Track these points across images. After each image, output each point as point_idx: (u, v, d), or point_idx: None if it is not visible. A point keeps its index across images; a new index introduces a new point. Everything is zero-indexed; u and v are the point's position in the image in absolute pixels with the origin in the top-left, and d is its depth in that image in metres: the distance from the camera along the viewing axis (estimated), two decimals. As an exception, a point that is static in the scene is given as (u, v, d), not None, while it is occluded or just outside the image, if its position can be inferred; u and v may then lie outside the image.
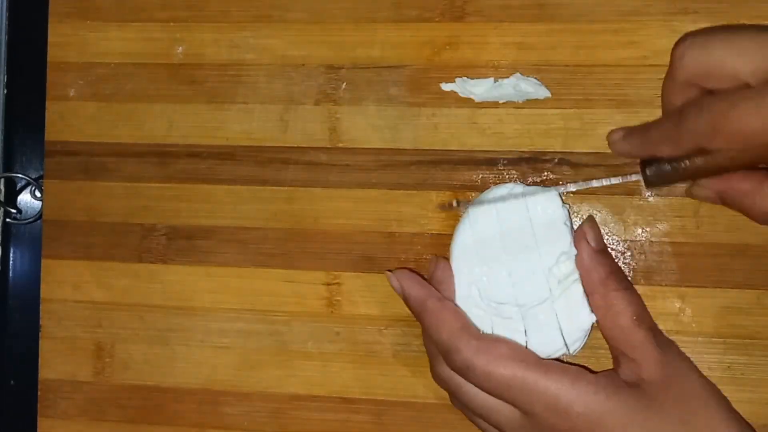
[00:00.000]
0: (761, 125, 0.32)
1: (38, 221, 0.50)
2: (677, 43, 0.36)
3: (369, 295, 0.45)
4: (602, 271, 0.39)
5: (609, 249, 0.42)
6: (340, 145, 0.45)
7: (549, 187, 0.41)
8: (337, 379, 0.45)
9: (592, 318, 0.40)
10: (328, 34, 0.46)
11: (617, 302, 0.38)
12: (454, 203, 0.42)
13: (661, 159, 0.37)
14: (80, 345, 0.47)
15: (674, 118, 0.36)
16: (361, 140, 0.45)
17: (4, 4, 0.50)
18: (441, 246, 0.44)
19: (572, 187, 0.41)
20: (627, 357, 0.38)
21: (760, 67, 0.33)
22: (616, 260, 0.41)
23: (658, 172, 0.37)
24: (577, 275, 0.40)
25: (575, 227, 0.42)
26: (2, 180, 0.50)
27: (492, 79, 0.44)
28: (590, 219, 0.41)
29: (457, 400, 0.40)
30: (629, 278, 0.42)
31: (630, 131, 0.39)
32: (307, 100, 0.46)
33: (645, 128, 0.38)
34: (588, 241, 0.40)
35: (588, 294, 0.39)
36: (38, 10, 0.49)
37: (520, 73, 0.44)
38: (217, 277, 0.46)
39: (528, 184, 0.43)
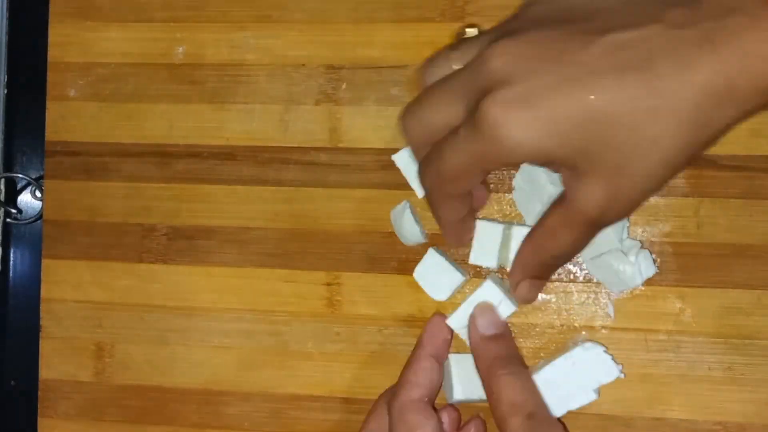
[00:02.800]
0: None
1: (38, 221, 0.50)
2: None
3: (369, 295, 0.45)
4: (488, 356, 0.39)
5: (504, 332, 0.41)
6: (341, 145, 0.45)
7: None
8: (338, 379, 0.45)
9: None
10: (329, 34, 0.46)
11: (497, 388, 0.38)
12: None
13: None
14: (80, 345, 0.47)
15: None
16: (361, 140, 0.45)
17: (4, 4, 0.50)
18: (441, 245, 0.44)
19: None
20: None
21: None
22: (511, 343, 0.41)
23: None
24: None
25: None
26: (2, 180, 0.50)
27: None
28: (481, 305, 0.41)
29: None
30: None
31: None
32: (308, 100, 0.46)
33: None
34: (477, 327, 0.40)
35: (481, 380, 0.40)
36: (38, 10, 0.49)
37: (521, 74, 0.44)
38: (218, 277, 0.46)
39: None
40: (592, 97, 0.31)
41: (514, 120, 0.32)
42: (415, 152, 0.39)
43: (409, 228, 0.43)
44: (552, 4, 0.35)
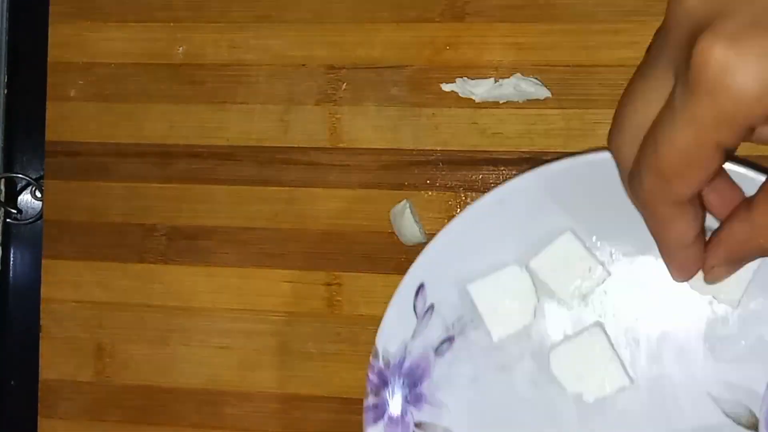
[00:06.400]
0: None
1: (39, 221, 0.50)
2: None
3: (369, 295, 0.45)
4: None
5: None
6: (341, 145, 0.45)
7: None
8: (338, 379, 0.45)
9: None
10: (329, 35, 0.46)
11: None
12: None
13: None
14: (81, 345, 0.47)
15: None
16: (361, 140, 0.45)
17: (4, 4, 0.50)
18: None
19: None
20: None
21: None
22: None
23: None
24: None
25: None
26: (2, 180, 0.50)
27: (492, 79, 0.44)
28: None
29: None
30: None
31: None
32: (308, 101, 0.46)
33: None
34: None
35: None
36: (38, 10, 0.49)
37: (521, 73, 0.44)
38: (218, 277, 0.46)
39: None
40: None
41: (746, 57, 0.23)
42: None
43: (409, 228, 0.43)
44: None
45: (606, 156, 0.32)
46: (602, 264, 0.39)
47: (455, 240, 0.40)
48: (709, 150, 0.25)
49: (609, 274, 0.39)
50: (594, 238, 0.40)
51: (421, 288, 0.40)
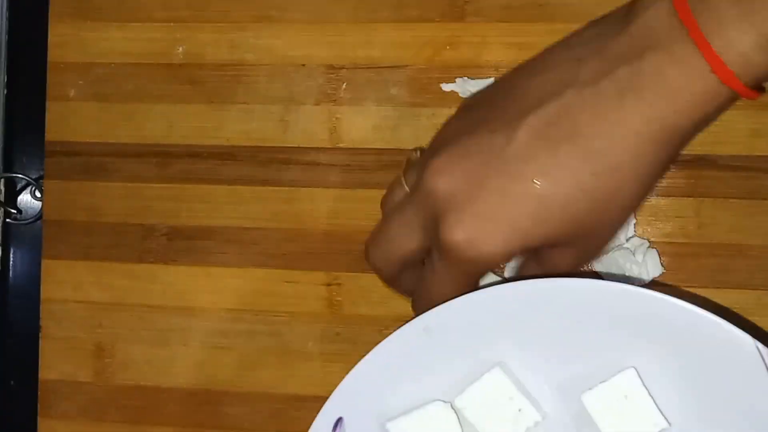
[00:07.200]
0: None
1: (38, 221, 0.50)
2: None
3: (369, 295, 0.45)
4: None
5: None
6: (341, 145, 0.45)
7: None
8: (338, 380, 0.44)
9: None
10: (329, 34, 0.46)
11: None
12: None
13: None
14: (80, 345, 0.47)
15: None
16: (361, 140, 0.45)
17: (4, 4, 0.50)
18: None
19: None
20: None
21: None
22: None
23: None
24: None
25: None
26: (2, 180, 0.50)
27: (492, 79, 0.44)
28: None
29: None
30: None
31: None
32: (308, 101, 0.46)
33: None
34: None
35: None
36: (38, 10, 0.49)
37: (521, 74, 0.44)
38: (218, 277, 0.46)
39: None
40: (537, 184, 0.31)
41: (478, 240, 0.32)
42: (388, 282, 0.39)
43: None
44: (482, 92, 0.37)
45: (546, 285, 0.35)
46: (535, 403, 0.35)
47: (376, 371, 0.36)
48: (466, 287, 0.35)
49: (543, 416, 0.35)
50: (528, 371, 0.36)
51: (338, 423, 0.37)
